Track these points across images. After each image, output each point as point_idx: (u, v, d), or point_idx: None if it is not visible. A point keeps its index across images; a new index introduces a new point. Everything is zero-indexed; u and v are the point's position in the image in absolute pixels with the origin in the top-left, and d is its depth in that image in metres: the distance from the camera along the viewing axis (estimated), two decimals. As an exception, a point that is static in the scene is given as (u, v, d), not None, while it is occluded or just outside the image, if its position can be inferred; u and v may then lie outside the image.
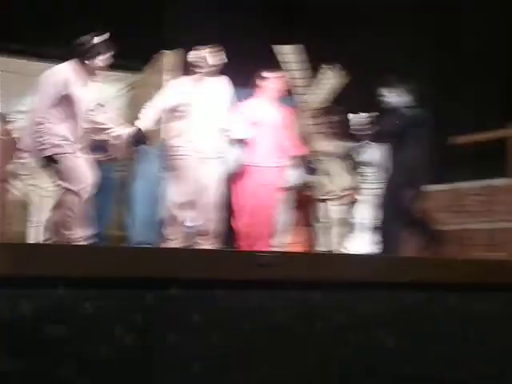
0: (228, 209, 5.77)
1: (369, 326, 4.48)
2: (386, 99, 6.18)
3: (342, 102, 8.28)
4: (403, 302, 4.64)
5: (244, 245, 5.50)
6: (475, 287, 4.82)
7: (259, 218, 5.69)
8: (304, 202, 6.84)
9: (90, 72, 5.38)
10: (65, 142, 5.16)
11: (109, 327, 3.74)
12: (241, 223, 5.63)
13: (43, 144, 5.16)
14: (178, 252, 4.57)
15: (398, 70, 8.73)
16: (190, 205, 5.81)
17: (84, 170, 5.14)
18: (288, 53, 8.30)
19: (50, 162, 5.16)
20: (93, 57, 5.30)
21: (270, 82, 6.05)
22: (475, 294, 4.88)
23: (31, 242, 6.26)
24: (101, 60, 5.34)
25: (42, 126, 5.17)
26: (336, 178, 6.73)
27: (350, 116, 6.65)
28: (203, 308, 3.98)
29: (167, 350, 3.88)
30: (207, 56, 5.85)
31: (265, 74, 6.00)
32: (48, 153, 5.16)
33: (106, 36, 5.35)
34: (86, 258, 3.81)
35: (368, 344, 4.45)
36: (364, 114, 6.64)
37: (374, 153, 6.72)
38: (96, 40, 5.30)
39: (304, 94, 8.46)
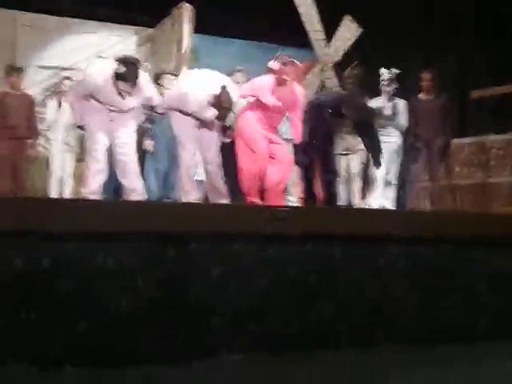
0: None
1: (387, 279, 4.51)
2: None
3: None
4: (422, 257, 4.65)
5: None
6: (496, 242, 4.82)
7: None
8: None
9: None
10: None
11: (130, 280, 3.80)
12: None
13: None
14: (196, 207, 4.60)
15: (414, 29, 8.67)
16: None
17: None
18: (308, 4, 8.18)
19: None
20: None
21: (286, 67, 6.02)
22: (496, 249, 4.89)
23: (52, 197, 6.33)
24: None
25: None
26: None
27: (382, 71, 6.66)
28: (222, 261, 4.03)
29: (187, 302, 3.94)
30: None
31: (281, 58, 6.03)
32: None
33: None
34: (106, 213, 3.85)
35: (386, 298, 4.49)
36: (393, 69, 6.67)
37: (397, 106, 6.66)
38: None
39: (324, 47, 8.37)
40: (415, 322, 4.60)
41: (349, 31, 8.40)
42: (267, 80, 5.46)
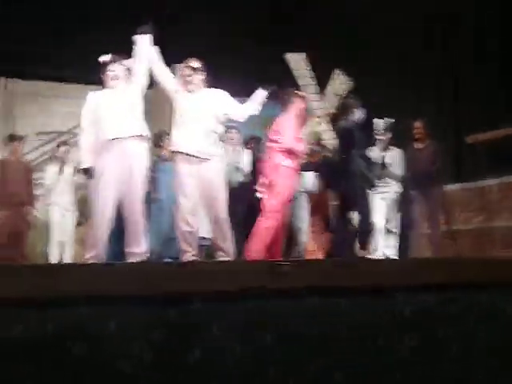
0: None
1: (391, 331, 4.46)
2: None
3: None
4: (425, 305, 4.61)
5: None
6: (498, 286, 4.79)
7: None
8: (321, 206, 6.84)
9: None
10: None
11: (132, 344, 3.76)
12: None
13: None
14: (196, 265, 4.58)
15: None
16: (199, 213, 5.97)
17: None
18: (299, 60, 8.31)
19: None
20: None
21: (295, 100, 6.21)
22: (500, 292, 4.85)
23: (52, 263, 6.31)
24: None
25: None
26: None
27: (375, 120, 6.75)
28: (224, 320, 3.99)
29: (190, 363, 3.89)
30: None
31: (290, 92, 6.23)
32: None
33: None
34: (106, 277, 3.84)
35: (390, 349, 4.43)
36: (387, 118, 6.77)
37: (393, 156, 6.71)
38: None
39: (316, 101, 8.48)
40: (425, 372, 4.54)
41: (340, 84, 8.53)
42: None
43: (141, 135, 5.32)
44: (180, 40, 8.98)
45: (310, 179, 6.67)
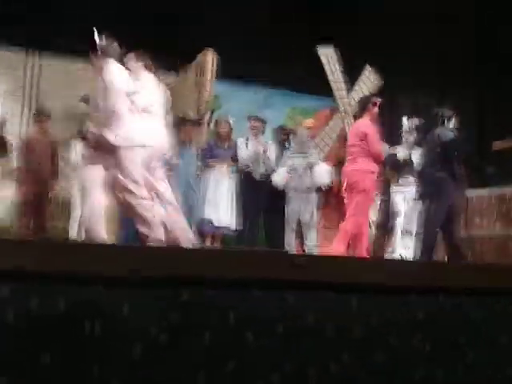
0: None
1: (404, 330, 4.45)
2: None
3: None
4: (441, 307, 4.60)
5: None
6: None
7: None
8: (338, 202, 6.82)
9: None
10: None
11: (145, 326, 3.79)
12: None
13: None
14: (213, 252, 4.60)
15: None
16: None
17: None
18: (329, 54, 8.27)
19: None
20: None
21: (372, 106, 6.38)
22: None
23: (69, 240, 6.36)
24: None
25: None
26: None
27: (403, 119, 6.73)
28: (238, 308, 4.00)
29: (202, 349, 3.90)
30: None
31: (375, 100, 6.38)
32: None
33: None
34: (122, 257, 3.86)
35: (403, 349, 4.42)
36: (416, 119, 6.74)
37: (417, 156, 6.67)
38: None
39: (346, 96, 8.44)
40: (433, 373, 4.53)
41: (369, 82, 8.47)
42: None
43: None
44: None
45: (323, 174, 6.65)
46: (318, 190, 6.74)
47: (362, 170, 6.01)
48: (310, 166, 6.58)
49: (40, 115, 7.17)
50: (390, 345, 4.39)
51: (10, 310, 3.51)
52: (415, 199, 6.53)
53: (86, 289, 3.67)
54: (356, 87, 8.44)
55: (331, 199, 7.04)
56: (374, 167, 6.11)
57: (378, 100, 6.44)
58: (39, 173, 6.87)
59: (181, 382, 3.83)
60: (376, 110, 6.17)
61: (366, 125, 6.06)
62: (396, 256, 6.43)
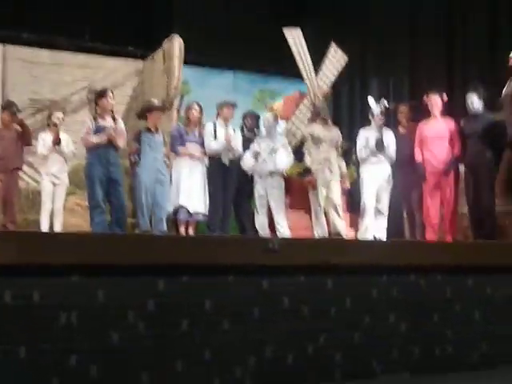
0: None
1: (377, 309, 4.52)
2: (471, 104, 6.37)
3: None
4: (410, 286, 4.67)
5: None
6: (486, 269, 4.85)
7: None
8: (305, 186, 6.82)
9: None
10: None
11: (122, 314, 3.79)
12: None
13: None
14: (187, 239, 4.60)
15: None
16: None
17: None
18: (296, 35, 8.25)
19: None
20: None
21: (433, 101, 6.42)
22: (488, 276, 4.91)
23: (43, 231, 6.30)
24: None
25: None
26: (334, 164, 6.72)
27: (371, 102, 6.73)
28: (213, 294, 4.02)
29: (179, 335, 3.92)
30: None
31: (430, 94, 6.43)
32: None
33: None
34: (97, 246, 3.85)
35: (377, 327, 4.49)
36: (384, 101, 6.75)
37: (387, 139, 6.70)
38: None
39: (314, 78, 8.43)
40: (409, 351, 4.60)
41: (335, 60, 8.46)
42: None
43: None
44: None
45: (283, 159, 6.66)
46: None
47: None
48: (274, 151, 6.57)
49: (6, 107, 7.07)
50: (366, 324, 4.46)
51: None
52: (385, 180, 6.56)
53: (61, 279, 3.67)
54: (323, 67, 8.43)
55: (296, 183, 7.03)
56: None
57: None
58: (6, 161, 6.78)
59: (159, 368, 3.84)
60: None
61: None
62: (369, 236, 6.47)
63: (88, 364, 3.66)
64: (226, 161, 6.46)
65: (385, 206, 6.56)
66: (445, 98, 6.67)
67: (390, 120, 7.17)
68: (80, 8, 8.75)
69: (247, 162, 6.51)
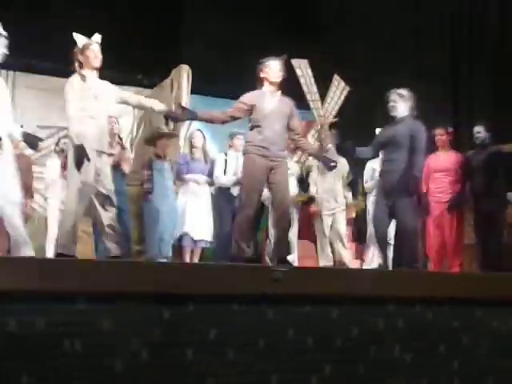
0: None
1: (384, 340, 4.49)
2: (478, 136, 6.38)
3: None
4: (416, 317, 4.64)
5: None
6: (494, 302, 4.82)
7: None
8: (310, 215, 6.84)
9: None
10: None
11: (126, 342, 3.78)
12: None
13: None
14: (194, 267, 4.60)
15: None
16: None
17: None
18: (305, 67, 8.33)
19: None
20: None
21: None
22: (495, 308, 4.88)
23: (48, 258, 6.31)
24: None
25: None
26: (340, 194, 6.73)
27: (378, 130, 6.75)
28: (219, 323, 4.01)
29: (184, 365, 3.91)
30: None
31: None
32: None
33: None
34: (102, 273, 3.85)
35: (383, 358, 4.46)
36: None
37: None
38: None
39: (319, 107, 8.49)
40: (415, 383, 4.57)
41: (339, 91, 8.55)
42: None
43: None
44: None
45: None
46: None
47: None
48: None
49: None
50: (371, 355, 4.43)
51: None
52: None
53: (66, 306, 3.67)
54: (328, 98, 8.51)
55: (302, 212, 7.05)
56: None
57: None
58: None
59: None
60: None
61: None
62: (374, 265, 6.47)
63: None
64: (235, 192, 6.44)
65: (391, 236, 6.56)
66: (450, 130, 6.70)
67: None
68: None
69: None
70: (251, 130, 5.08)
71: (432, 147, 6.62)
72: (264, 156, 4.96)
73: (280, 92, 5.17)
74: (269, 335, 4.11)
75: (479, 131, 6.46)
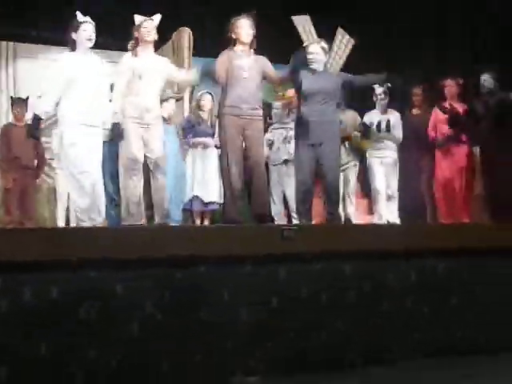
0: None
1: (395, 294, 4.51)
2: (484, 83, 6.31)
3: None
4: (427, 270, 4.66)
5: None
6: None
7: None
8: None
9: None
10: None
11: (140, 306, 3.82)
12: None
13: None
14: (202, 229, 4.62)
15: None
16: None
17: None
18: (305, 22, 8.22)
19: None
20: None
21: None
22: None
23: (60, 226, 6.35)
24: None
25: None
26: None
27: (375, 85, 6.65)
28: (231, 283, 4.04)
29: (198, 326, 3.94)
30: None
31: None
32: None
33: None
34: (113, 240, 3.88)
35: (396, 312, 4.49)
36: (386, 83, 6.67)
37: (392, 121, 6.64)
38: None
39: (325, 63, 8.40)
40: (429, 335, 4.60)
41: (343, 44, 8.44)
42: None
43: None
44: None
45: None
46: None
47: None
48: (287, 139, 6.53)
49: (16, 102, 7.10)
50: (384, 309, 4.46)
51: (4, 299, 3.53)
52: (393, 163, 6.51)
53: (79, 273, 3.70)
54: (331, 53, 8.41)
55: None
56: None
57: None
58: (21, 161, 6.83)
59: (179, 357, 3.87)
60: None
61: None
62: (383, 221, 6.45)
63: (109, 355, 3.69)
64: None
65: (395, 190, 6.54)
66: (461, 82, 6.62)
67: (405, 102, 7.10)
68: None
69: None
70: (222, 91, 5.14)
71: (442, 97, 6.59)
72: (236, 115, 5.03)
73: (253, 50, 5.22)
74: (282, 294, 4.14)
75: (486, 79, 6.39)
